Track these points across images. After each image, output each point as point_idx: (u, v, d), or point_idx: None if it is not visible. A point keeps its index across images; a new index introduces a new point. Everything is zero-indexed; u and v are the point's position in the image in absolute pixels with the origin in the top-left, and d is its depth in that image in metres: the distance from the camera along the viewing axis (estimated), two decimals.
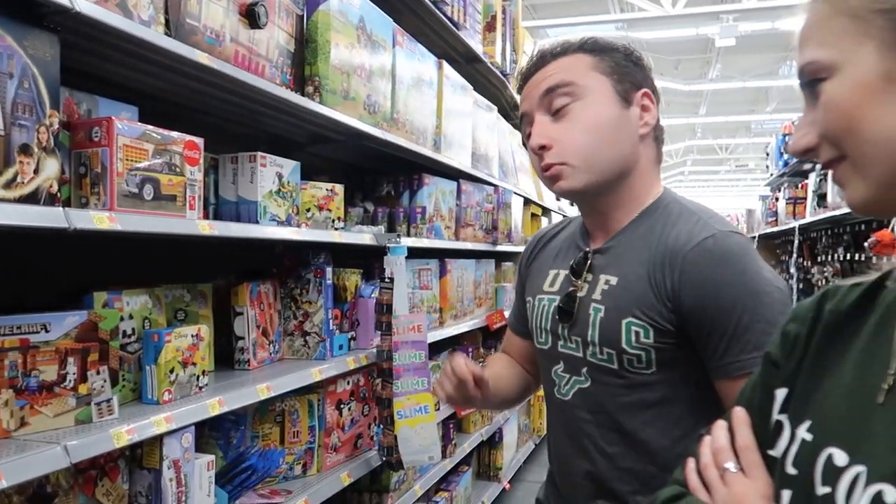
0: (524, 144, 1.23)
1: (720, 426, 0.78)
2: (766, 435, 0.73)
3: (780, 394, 0.73)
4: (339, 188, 2.13)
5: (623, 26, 10.63)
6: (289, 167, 1.92)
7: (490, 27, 3.54)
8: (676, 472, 0.82)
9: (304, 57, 1.96)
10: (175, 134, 1.44)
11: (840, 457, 0.62)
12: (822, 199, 4.91)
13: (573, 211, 5.26)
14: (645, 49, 11.03)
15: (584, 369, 1.16)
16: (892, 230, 3.38)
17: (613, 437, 1.13)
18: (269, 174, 1.85)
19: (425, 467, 2.71)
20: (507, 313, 3.64)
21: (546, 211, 5.11)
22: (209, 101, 1.82)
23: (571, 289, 1.18)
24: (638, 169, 1.16)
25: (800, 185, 6.27)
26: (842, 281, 0.76)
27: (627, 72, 1.15)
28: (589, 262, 1.17)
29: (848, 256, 5.17)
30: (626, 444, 1.12)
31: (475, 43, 3.27)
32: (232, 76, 1.55)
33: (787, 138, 6.60)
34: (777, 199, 6.84)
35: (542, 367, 1.27)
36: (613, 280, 1.13)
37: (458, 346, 3.31)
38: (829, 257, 5.45)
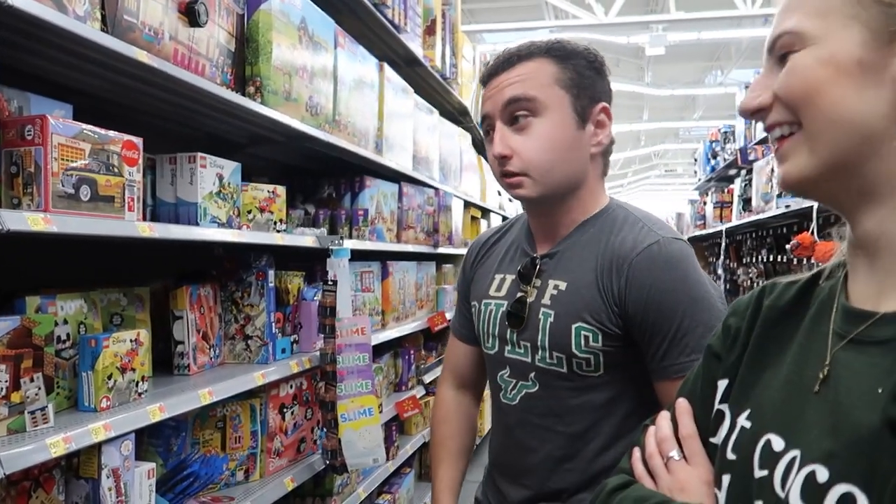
0: (484, 142, 1.25)
1: (664, 416, 0.82)
2: (707, 424, 0.77)
3: (722, 384, 0.77)
4: (282, 190, 2.11)
5: (556, 31, 10.87)
6: (229, 168, 1.89)
7: (430, 31, 3.56)
8: (623, 461, 0.85)
9: (245, 57, 1.93)
10: (113, 133, 1.40)
11: (777, 442, 0.66)
12: (747, 203, 5.14)
13: (513, 211, 5.32)
14: None
15: (532, 374, 1.17)
16: (812, 233, 3.56)
17: (560, 440, 1.16)
18: (210, 175, 1.81)
19: (368, 470, 2.71)
20: (448, 315, 3.66)
21: (486, 213, 5.17)
22: (146, 101, 1.77)
23: (521, 294, 1.19)
24: (587, 182, 1.20)
25: (726, 190, 6.53)
26: (780, 278, 0.80)
27: (587, 84, 1.17)
28: (538, 267, 1.19)
29: (771, 258, 5.42)
30: (573, 445, 1.15)
31: (416, 46, 3.28)
32: (172, 75, 1.51)
33: (713, 144, 6.88)
34: (705, 203, 7.11)
35: (489, 372, 1.28)
36: (563, 285, 1.15)
37: (401, 349, 3.32)
38: (754, 259, 5.70)
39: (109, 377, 1.43)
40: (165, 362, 1.84)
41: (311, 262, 2.52)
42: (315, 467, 2.24)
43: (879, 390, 0.59)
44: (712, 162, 6.95)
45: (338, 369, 2.22)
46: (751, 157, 5.15)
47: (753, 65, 10.72)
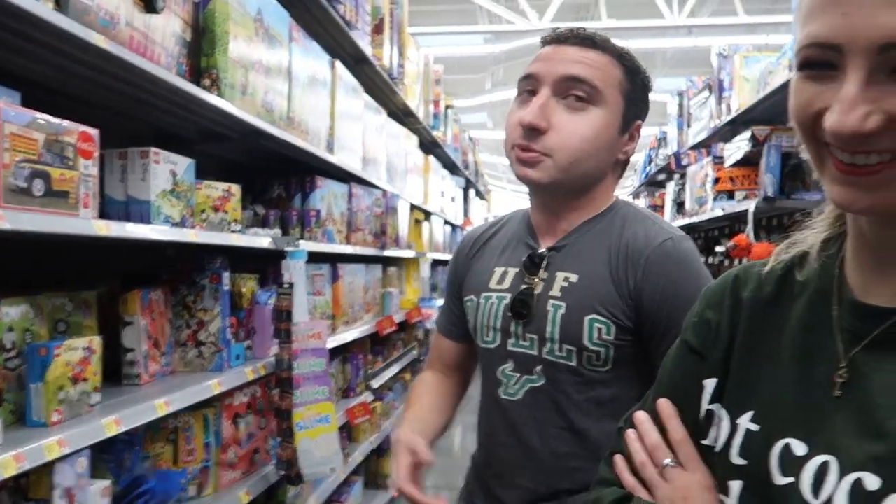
0: (514, 100, 1.18)
1: (646, 420, 0.77)
2: (695, 425, 0.73)
3: (710, 384, 0.73)
4: (236, 189, 2.01)
5: (491, 38, 10.96)
6: (183, 165, 1.79)
7: (378, 29, 3.50)
8: (602, 470, 0.80)
9: (201, 48, 1.83)
10: (67, 123, 1.29)
11: (799, 447, 0.64)
12: (680, 206, 5.29)
13: (452, 213, 5.29)
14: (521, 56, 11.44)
15: (539, 367, 1.15)
16: (748, 235, 3.69)
17: (565, 437, 1.13)
18: (163, 172, 1.71)
19: (319, 480, 2.62)
20: (396, 318, 3.61)
21: (429, 216, 5.14)
22: (97, 91, 1.65)
23: (526, 286, 1.16)
24: (604, 183, 1.19)
25: (657, 194, 6.72)
26: (747, 266, 0.77)
27: (638, 101, 1.18)
28: (545, 259, 1.17)
29: (702, 260, 5.61)
30: (577, 442, 1.13)
31: (365, 44, 3.22)
32: (130, 63, 1.41)
33: (651, 152, 7.05)
34: None
35: (485, 368, 1.24)
36: (574, 277, 1.13)
37: (349, 354, 3.24)
38: None
39: (60, 388, 1.31)
40: (112, 372, 1.72)
41: (263, 265, 2.42)
42: (269, 479, 2.15)
43: None
44: (647, 168, 7.14)
45: (294, 375, 2.14)
46: (684, 162, 5.30)
47: (678, 73, 11.11)
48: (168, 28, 1.66)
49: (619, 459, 0.78)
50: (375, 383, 3.45)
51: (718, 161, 4.31)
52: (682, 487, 0.71)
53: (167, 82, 1.56)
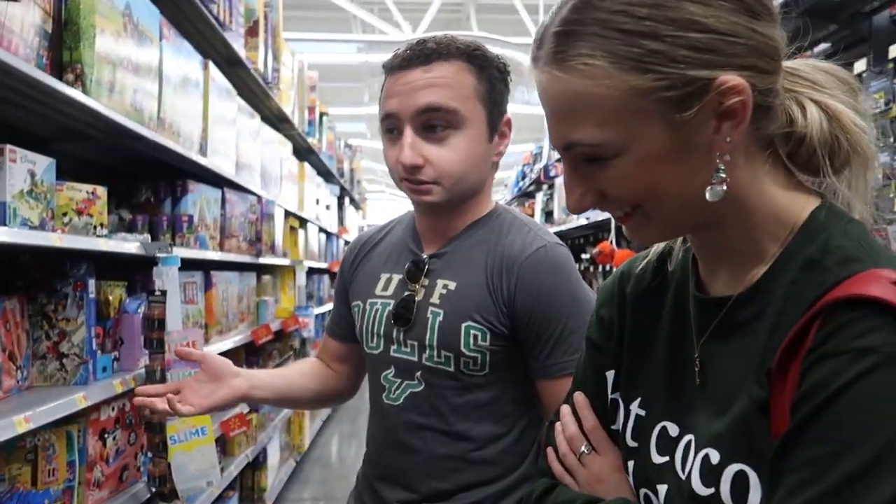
0: (383, 138, 1.19)
1: (567, 413, 0.84)
2: (605, 412, 0.82)
3: (610, 375, 0.82)
4: (102, 191, 1.91)
5: (364, 47, 10.97)
6: (42, 164, 1.67)
7: (252, 32, 3.43)
8: (540, 462, 0.87)
9: (64, 41, 1.72)
10: None
11: (672, 429, 0.72)
12: (549, 215, 5.56)
13: (327, 221, 5.25)
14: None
15: (419, 373, 1.17)
16: (611, 242, 3.94)
17: (444, 439, 1.16)
18: (20, 171, 1.59)
19: (194, 496, 2.51)
20: (273, 327, 3.53)
21: (304, 223, 5.06)
22: None
23: (408, 293, 1.18)
24: (484, 187, 1.22)
25: (527, 205, 7.01)
26: (633, 258, 0.84)
27: (499, 98, 1.17)
28: (426, 267, 1.19)
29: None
30: (456, 445, 1.16)
31: (238, 47, 3.14)
32: None
33: (524, 167, 7.34)
34: None
35: (370, 373, 1.25)
36: (452, 285, 1.16)
37: None
38: None
39: None
40: None
41: (130, 272, 2.30)
42: (140, 497, 2.04)
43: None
44: (521, 183, 7.41)
45: None
46: (552, 174, 5.58)
47: None
48: (27, 17, 1.55)
49: (549, 451, 0.84)
50: None
51: None
52: (596, 472, 0.78)
53: (26, 75, 1.46)
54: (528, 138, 11.72)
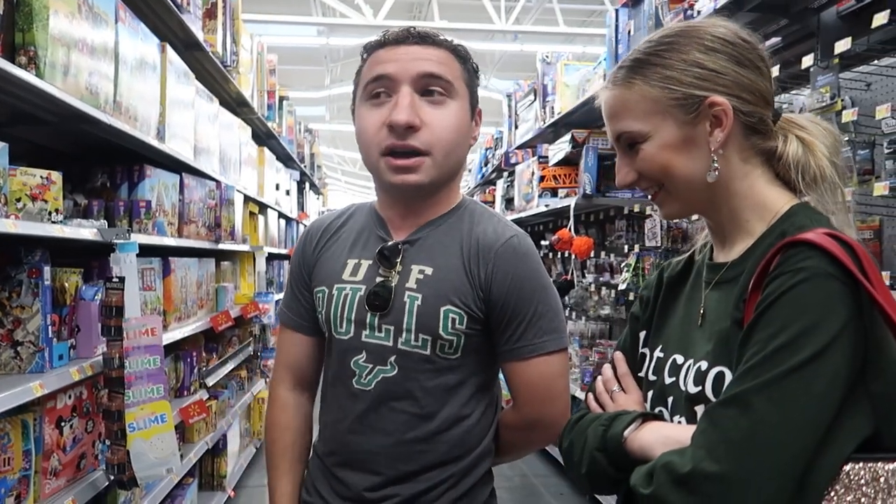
0: (366, 105, 1.18)
1: (607, 366, 1.07)
2: (636, 364, 1.05)
3: (642, 335, 1.06)
4: (57, 176, 1.87)
5: (324, 30, 10.84)
6: None
7: (210, 14, 3.38)
8: (581, 404, 1.07)
9: (15, 22, 1.68)
10: None
11: (679, 359, 0.96)
12: (509, 202, 5.59)
13: (287, 206, 5.19)
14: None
15: (392, 358, 1.18)
16: (570, 230, 4.01)
17: (414, 422, 1.18)
18: None
19: (152, 483, 2.50)
20: (232, 313, 3.51)
21: (264, 208, 5.01)
22: None
23: (383, 278, 1.19)
24: (458, 174, 1.26)
25: (488, 191, 7.03)
26: (670, 260, 1.12)
27: (475, 88, 1.24)
28: (400, 252, 1.20)
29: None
30: (425, 427, 1.18)
31: (196, 29, 3.09)
32: None
33: (487, 152, 7.35)
34: None
35: (338, 359, 1.23)
36: (429, 270, 1.18)
37: (181, 352, 3.10)
38: None
39: None
40: None
41: (85, 259, 2.26)
42: (98, 485, 2.03)
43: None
44: (484, 169, 7.43)
45: (126, 374, 2.03)
46: (512, 161, 5.60)
47: (506, 76, 11.68)
48: None
49: (588, 395, 1.06)
50: (210, 381, 3.33)
51: (543, 160, 4.62)
52: (621, 404, 1.00)
53: None
54: (490, 122, 11.82)
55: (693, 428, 0.83)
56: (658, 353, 1.00)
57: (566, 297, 4.53)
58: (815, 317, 0.78)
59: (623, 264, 3.81)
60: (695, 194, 0.95)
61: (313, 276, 1.30)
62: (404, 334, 1.17)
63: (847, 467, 0.78)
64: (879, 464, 0.78)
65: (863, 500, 0.77)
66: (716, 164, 0.92)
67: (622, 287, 3.64)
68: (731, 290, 0.91)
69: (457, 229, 1.22)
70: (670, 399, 0.94)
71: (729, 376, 0.86)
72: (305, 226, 7.26)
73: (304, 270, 1.32)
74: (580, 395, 4.00)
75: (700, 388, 0.89)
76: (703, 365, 0.90)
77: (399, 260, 1.20)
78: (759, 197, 0.94)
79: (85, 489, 1.95)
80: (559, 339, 1.20)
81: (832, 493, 0.78)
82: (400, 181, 1.16)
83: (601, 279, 4.35)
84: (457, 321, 1.16)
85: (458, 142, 1.19)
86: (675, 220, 3.27)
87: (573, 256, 4.16)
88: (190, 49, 3.18)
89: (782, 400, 0.77)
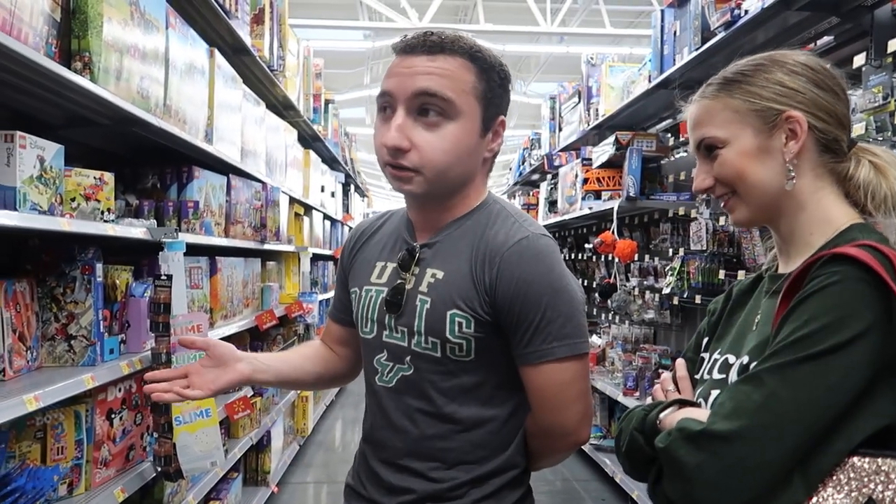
0: (377, 116, 1.21)
1: (668, 373, 1.14)
2: (695, 368, 1.12)
3: (704, 341, 1.15)
4: (109, 177, 1.95)
5: (371, 34, 10.96)
6: (51, 151, 1.71)
7: (258, 19, 3.45)
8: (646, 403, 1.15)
9: (72, 29, 1.76)
10: None
11: (731, 359, 1.03)
12: (552, 205, 5.57)
13: (332, 208, 5.28)
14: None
15: (408, 358, 1.21)
16: (613, 232, 3.97)
17: (432, 420, 1.20)
18: (30, 157, 1.63)
19: (197, 476, 2.57)
20: (277, 312, 3.58)
21: (309, 210, 5.10)
22: None
23: (399, 281, 1.22)
24: (474, 181, 1.24)
25: (531, 193, 7.01)
26: (743, 278, 1.24)
27: (496, 100, 1.19)
28: (416, 256, 1.22)
29: (572, 256, 5.93)
30: (444, 425, 1.20)
31: (244, 34, 3.16)
32: None
33: (524, 152, 7.33)
34: None
35: (365, 357, 1.29)
36: (440, 274, 1.19)
37: None
38: None
39: None
40: None
41: (137, 257, 2.34)
42: (145, 476, 2.09)
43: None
44: (521, 167, 7.42)
45: (173, 369, 2.09)
46: (556, 163, 5.58)
47: (550, 78, 11.60)
48: (36, 6, 1.58)
49: (648, 397, 1.14)
50: None
51: (587, 163, 4.59)
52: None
53: (36, 63, 1.50)
54: (527, 125, 11.77)
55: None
56: (716, 356, 1.08)
57: (609, 301, 4.48)
58: (841, 314, 0.84)
59: (667, 268, 3.76)
60: (765, 201, 1.01)
61: (350, 277, 1.36)
62: (416, 337, 1.19)
63: (854, 459, 0.85)
64: (888, 459, 0.84)
65: (863, 490, 0.84)
66: (792, 173, 0.99)
67: (666, 291, 3.59)
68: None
69: (472, 232, 1.21)
70: (715, 392, 1.00)
71: None
72: (350, 227, 7.37)
73: (344, 269, 1.40)
74: (622, 399, 3.95)
75: None
76: (745, 360, 0.99)
77: (414, 263, 1.22)
78: (824, 212, 1.00)
79: (133, 479, 2.01)
80: (572, 345, 1.16)
81: (834, 479, 0.85)
82: (396, 187, 1.20)
83: (645, 283, 4.29)
84: (463, 325, 1.16)
85: (452, 162, 1.16)
86: (721, 223, 3.21)
87: (616, 260, 4.11)
88: (238, 54, 3.26)
89: (795, 381, 0.85)
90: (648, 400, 1.11)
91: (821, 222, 1.00)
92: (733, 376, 0.99)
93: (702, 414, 0.94)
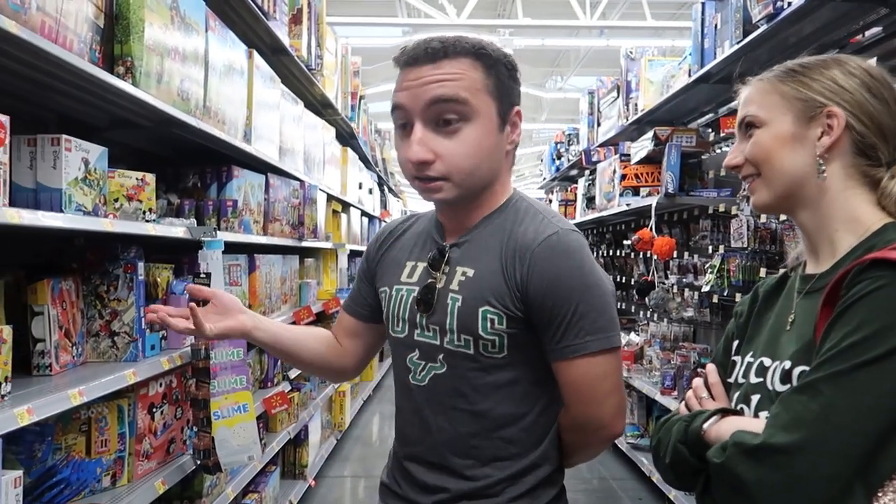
0: (395, 133, 1.22)
1: (699, 378, 1.14)
2: (726, 372, 1.13)
3: (735, 344, 1.15)
4: (151, 178, 2.00)
5: (409, 30, 10.99)
6: (95, 153, 1.77)
7: (296, 20, 3.50)
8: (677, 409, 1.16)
9: (115, 35, 1.81)
10: None
11: (767, 361, 1.03)
12: (590, 201, 5.51)
13: (370, 204, 5.31)
14: None
15: (441, 356, 1.21)
16: (651, 229, 3.91)
17: (466, 418, 1.21)
18: (75, 160, 1.68)
19: (236, 470, 2.63)
20: (314, 308, 3.63)
21: (347, 207, 5.15)
22: (1, 76, 1.61)
23: (430, 280, 1.23)
24: (500, 177, 1.25)
25: (570, 189, 6.95)
26: (766, 278, 1.21)
27: (507, 91, 1.20)
28: (447, 255, 1.23)
29: (610, 253, 5.87)
30: (478, 423, 1.20)
31: (282, 34, 3.21)
32: (42, 49, 1.39)
33: (558, 146, 7.28)
34: (550, 202, 7.53)
35: (396, 356, 1.30)
36: (470, 272, 1.20)
37: None
38: (596, 253, 6.14)
39: None
40: (20, 362, 1.68)
41: (178, 255, 2.40)
42: (185, 468, 2.15)
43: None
44: (557, 162, 7.36)
45: (211, 365, 2.14)
46: (594, 159, 5.52)
47: (589, 72, 11.47)
48: (80, 14, 1.63)
49: (681, 404, 1.14)
50: (293, 373, 3.46)
51: (625, 158, 4.53)
52: (709, 409, 1.06)
53: (80, 69, 1.55)
54: (564, 119, 11.66)
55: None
56: (749, 359, 1.08)
57: (646, 299, 4.42)
58: (891, 318, 0.84)
59: (707, 265, 3.69)
60: (786, 188, 1.03)
61: (377, 277, 1.37)
62: (448, 334, 1.20)
63: None
64: None
65: None
66: (823, 167, 1.00)
67: (706, 289, 3.53)
68: (818, 299, 0.97)
69: (501, 229, 1.22)
70: (755, 397, 1.01)
71: None
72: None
73: (369, 266, 1.41)
74: (660, 398, 3.90)
75: (788, 385, 0.96)
76: (787, 364, 0.98)
77: (444, 262, 1.23)
78: (852, 211, 1.01)
79: (174, 472, 2.07)
80: (604, 339, 1.17)
81: (894, 483, 0.85)
82: (427, 198, 1.22)
83: (684, 280, 4.23)
84: (496, 321, 1.17)
85: (480, 161, 1.17)
86: (763, 220, 3.14)
87: (654, 257, 4.06)
88: (276, 54, 3.31)
89: (851, 389, 0.84)
90: (683, 409, 1.11)
91: (847, 220, 1.01)
92: (773, 380, 0.99)
93: (751, 424, 0.94)
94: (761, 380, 1.01)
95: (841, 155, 1.01)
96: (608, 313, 1.18)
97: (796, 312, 1.03)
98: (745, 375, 1.06)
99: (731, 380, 1.10)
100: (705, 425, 0.98)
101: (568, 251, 1.17)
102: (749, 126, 1.06)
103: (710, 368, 1.14)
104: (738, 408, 1.03)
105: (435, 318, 1.21)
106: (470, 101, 1.15)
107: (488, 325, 1.17)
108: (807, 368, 0.93)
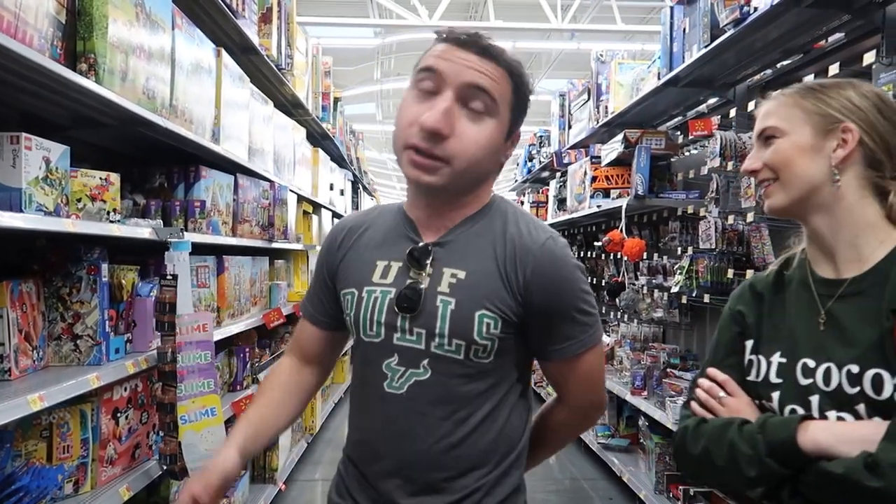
0: (412, 89, 1.18)
1: (703, 379, 1.21)
2: (741, 371, 1.19)
3: (749, 343, 1.20)
4: (115, 177, 1.96)
5: (381, 31, 10.95)
6: (57, 152, 1.73)
7: (266, 19, 3.46)
8: (682, 413, 1.23)
9: (77, 31, 1.77)
10: None
11: (811, 362, 1.10)
12: (561, 203, 5.54)
13: (341, 205, 5.27)
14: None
15: (425, 361, 1.17)
16: (621, 230, 3.95)
17: (447, 426, 1.17)
18: (35, 158, 1.64)
19: None
20: (284, 311, 3.59)
21: (318, 208, 5.11)
22: None
23: (411, 281, 1.18)
24: (487, 182, 1.24)
25: (541, 191, 6.99)
26: (755, 275, 1.27)
27: (520, 113, 1.23)
28: (430, 254, 1.19)
29: (581, 254, 5.91)
30: (458, 430, 1.17)
31: (252, 33, 3.17)
32: (0, 45, 1.35)
33: (530, 148, 7.32)
34: (522, 203, 7.56)
35: (369, 362, 1.22)
36: (461, 274, 1.17)
37: (235, 347, 3.19)
38: None
39: None
40: None
41: (143, 256, 2.35)
42: (151, 474, 2.11)
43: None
44: (529, 164, 7.40)
45: (178, 369, 2.11)
46: (565, 161, 5.55)
47: (560, 75, 11.55)
48: (41, 9, 1.59)
49: (692, 403, 1.21)
50: (262, 376, 3.41)
51: (596, 160, 4.57)
52: (734, 408, 1.15)
53: (40, 66, 1.51)
54: (536, 121, 11.73)
55: (864, 423, 1.01)
56: (778, 359, 1.15)
57: (617, 300, 4.46)
58: None
59: (676, 266, 3.73)
60: (803, 193, 1.13)
61: (338, 277, 1.29)
62: (437, 339, 1.16)
63: None
64: None
65: None
66: (837, 176, 1.11)
67: (675, 290, 3.57)
68: (867, 304, 1.07)
69: (489, 231, 1.20)
70: (814, 398, 1.07)
71: (887, 376, 1.01)
72: None
73: (325, 269, 1.33)
74: (630, 398, 3.93)
75: (858, 388, 1.03)
76: (854, 368, 1.05)
77: (429, 262, 1.19)
78: (870, 219, 1.11)
79: (139, 478, 2.03)
80: (598, 331, 1.24)
81: None
82: (414, 177, 1.16)
83: (654, 281, 4.27)
84: (491, 326, 1.15)
85: (483, 158, 1.17)
86: (730, 222, 3.19)
87: (625, 258, 4.09)
88: (245, 53, 3.26)
89: None
90: (698, 409, 1.19)
91: (869, 227, 1.11)
92: (843, 383, 1.05)
93: (848, 431, 1.01)
94: (811, 381, 1.08)
95: (853, 166, 1.12)
96: (595, 307, 1.24)
97: (835, 315, 1.10)
98: (781, 374, 1.12)
99: (753, 378, 1.16)
100: (799, 439, 1.03)
101: (564, 256, 1.20)
102: (770, 137, 1.16)
103: (713, 371, 1.21)
104: (789, 409, 1.09)
105: (421, 321, 1.16)
106: (498, 103, 1.16)
107: (484, 329, 1.15)
108: (880, 372, 1.02)
